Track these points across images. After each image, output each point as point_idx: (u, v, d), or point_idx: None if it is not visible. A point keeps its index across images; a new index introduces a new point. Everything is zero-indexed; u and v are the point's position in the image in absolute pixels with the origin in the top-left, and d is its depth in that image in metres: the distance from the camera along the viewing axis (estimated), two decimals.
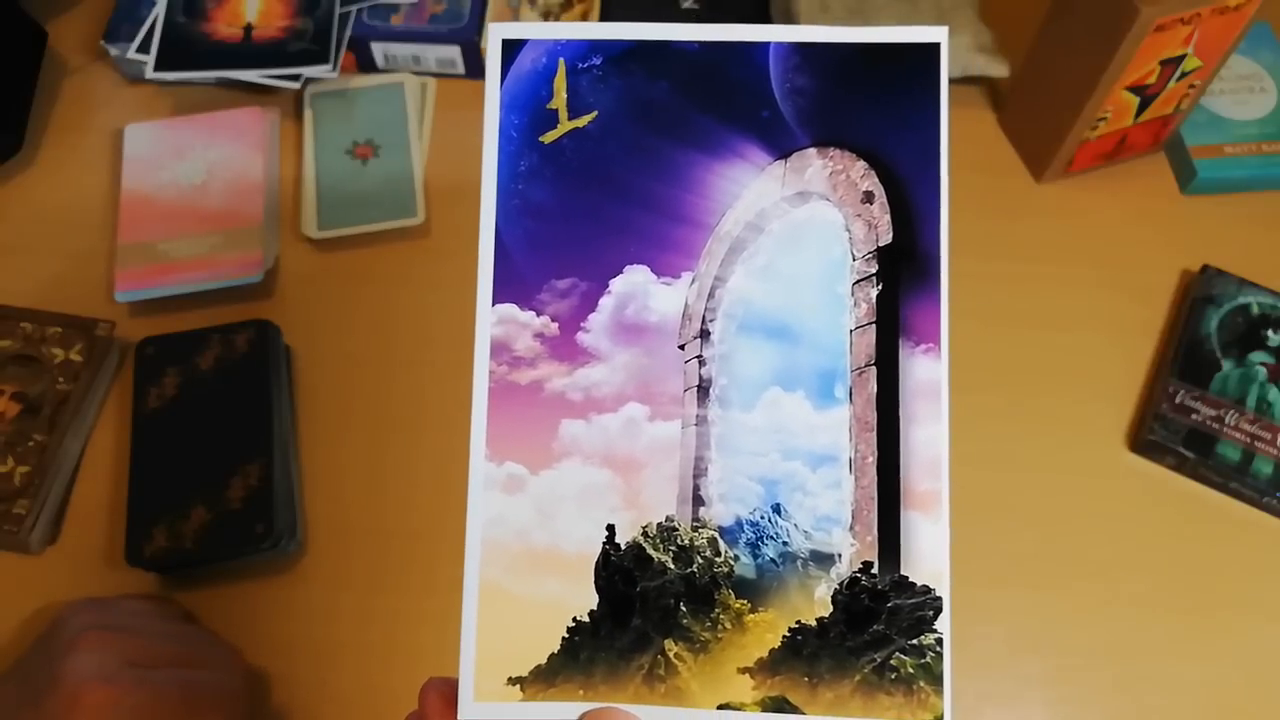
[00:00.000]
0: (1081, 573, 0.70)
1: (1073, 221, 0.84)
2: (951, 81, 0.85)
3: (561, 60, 0.42)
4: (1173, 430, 0.72)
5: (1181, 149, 0.84)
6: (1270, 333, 0.75)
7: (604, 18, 0.88)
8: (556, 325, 0.41)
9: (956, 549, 0.68)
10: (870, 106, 0.41)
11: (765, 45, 0.42)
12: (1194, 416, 0.73)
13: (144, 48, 0.83)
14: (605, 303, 0.41)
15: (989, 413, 0.75)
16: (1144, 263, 0.81)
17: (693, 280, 0.41)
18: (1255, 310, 0.76)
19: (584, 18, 0.87)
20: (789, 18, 0.84)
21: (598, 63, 0.42)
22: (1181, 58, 0.74)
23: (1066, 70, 0.77)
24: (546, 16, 0.87)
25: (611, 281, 0.41)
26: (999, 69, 0.84)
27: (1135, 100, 0.77)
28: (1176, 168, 0.85)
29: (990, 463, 0.73)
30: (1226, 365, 0.74)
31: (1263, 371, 0.74)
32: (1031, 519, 0.72)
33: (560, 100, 0.42)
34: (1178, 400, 0.73)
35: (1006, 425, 0.75)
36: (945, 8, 0.84)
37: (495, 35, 0.42)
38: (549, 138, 0.42)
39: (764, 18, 0.89)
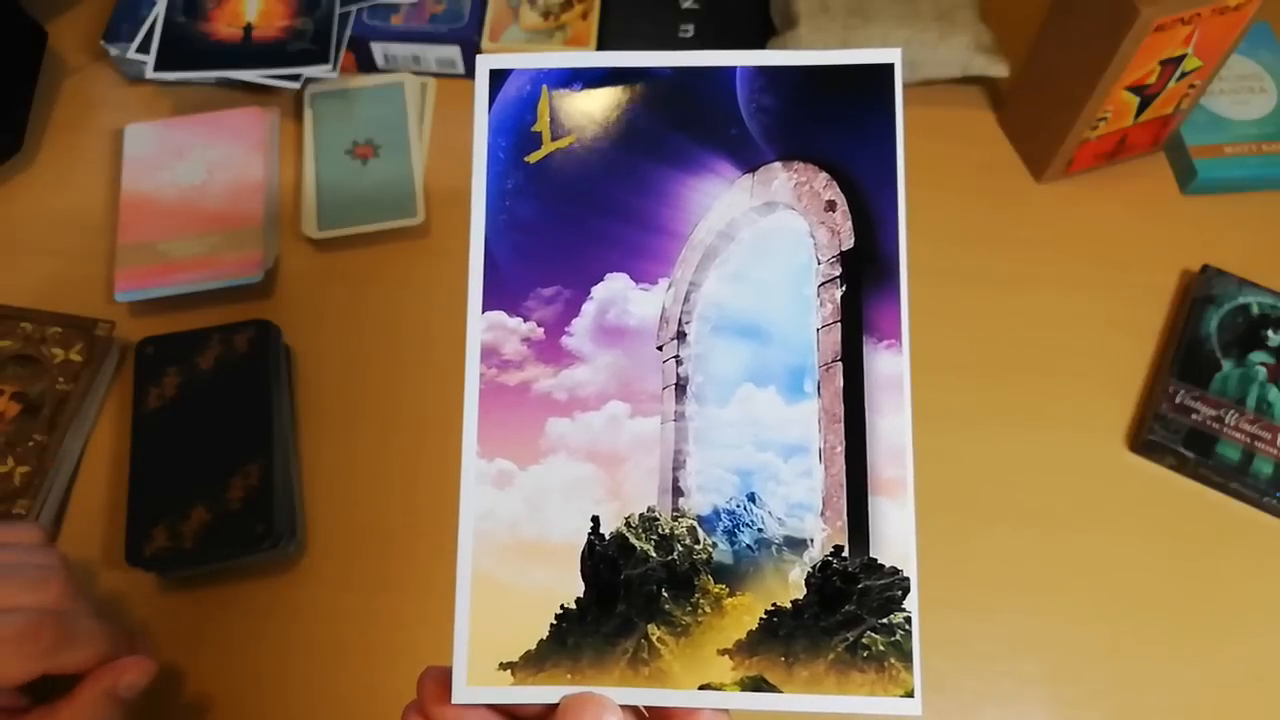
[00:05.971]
0: (1082, 572, 0.72)
1: (1073, 221, 0.85)
2: (951, 81, 0.88)
3: (545, 86, 0.46)
4: (1173, 430, 0.74)
5: (1181, 149, 0.86)
6: (1270, 333, 0.77)
7: (604, 17, 0.90)
8: (542, 330, 0.45)
9: (956, 549, 0.71)
10: (831, 123, 0.45)
11: (733, 69, 0.46)
12: (1194, 416, 0.74)
13: (144, 48, 0.85)
14: (588, 308, 0.45)
15: (989, 413, 0.77)
16: (1144, 263, 0.83)
17: (669, 286, 0.45)
18: (1255, 310, 0.78)
19: (584, 17, 0.89)
20: (788, 17, 0.86)
21: (578, 88, 0.46)
22: (1181, 58, 0.76)
23: (1066, 70, 0.79)
24: (547, 16, 0.89)
25: (593, 288, 0.45)
26: (999, 69, 0.86)
27: (1135, 100, 0.79)
28: (1176, 168, 0.87)
29: (990, 463, 0.75)
30: (1226, 365, 0.76)
31: (1263, 371, 0.76)
32: (1031, 519, 0.74)
33: (544, 123, 0.46)
34: (1178, 400, 0.75)
35: (1006, 425, 0.77)
36: (945, 8, 0.85)
37: (482, 66, 0.47)
38: (534, 158, 0.46)
39: (763, 17, 0.91)
